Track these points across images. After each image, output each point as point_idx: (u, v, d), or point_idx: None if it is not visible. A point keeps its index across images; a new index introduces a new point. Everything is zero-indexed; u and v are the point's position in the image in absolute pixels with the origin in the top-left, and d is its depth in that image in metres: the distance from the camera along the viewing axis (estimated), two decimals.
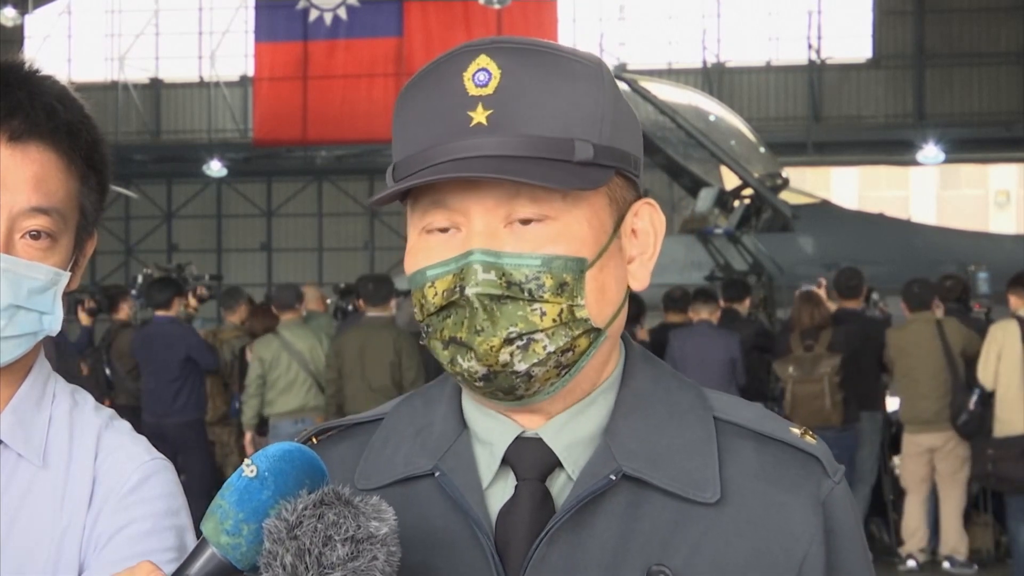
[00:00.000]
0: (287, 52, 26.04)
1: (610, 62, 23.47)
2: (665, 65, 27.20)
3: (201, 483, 8.31)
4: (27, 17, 27.61)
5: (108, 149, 1.57)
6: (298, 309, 8.96)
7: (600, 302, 1.23)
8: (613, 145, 1.23)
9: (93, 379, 9.36)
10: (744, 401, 1.33)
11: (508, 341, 1.18)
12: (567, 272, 1.20)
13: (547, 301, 1.19)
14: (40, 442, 1.51)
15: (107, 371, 9.80)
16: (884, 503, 9.15)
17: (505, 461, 1.25)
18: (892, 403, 8.98)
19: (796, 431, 1.28)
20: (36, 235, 1.47)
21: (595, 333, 1.23)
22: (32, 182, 1.46)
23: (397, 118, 1.26)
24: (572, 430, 1.25)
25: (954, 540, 8.47)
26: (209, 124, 28.46)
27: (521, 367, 1.19)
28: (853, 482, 8.48)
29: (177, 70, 29.17)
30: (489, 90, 1.20)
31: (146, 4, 29.10)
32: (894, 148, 25.95)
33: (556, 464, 1.24)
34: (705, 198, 17.28)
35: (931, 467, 8.54)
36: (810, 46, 26.67)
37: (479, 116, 1.19)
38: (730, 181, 17.23)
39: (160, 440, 6.77)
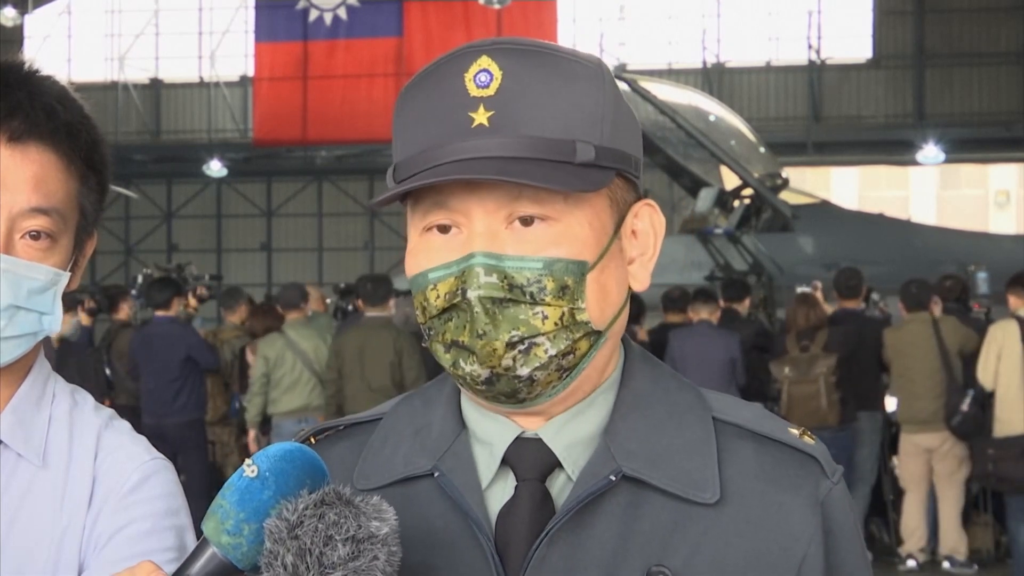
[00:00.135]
0: (287, 52, 26.05)
1: (610, 62, 23.47)
2: (665, 65, 27.20)
3: (201, 483, 8.31)
4: (27, 17, 27.61)
5: (108, 149, 1.57)
6: (303, 309, 8.97)
7: (601, 304, 1.23)
8: (614, 146, 1.23)
9: (93, 379, 9.36)
10: (743, 402, 1.33)
11: (510, 345, 1.18)
12: (568, 275, 1.20)
13: (548, 304, 1.19)
14: (40, 442, 1.51)
15: (107, 371, 9.80)
16: (884, 503, 9.15)
17: (505, 461, 1.25)
18: (891, 403, 8.99)
19: (795, 431, 1.28)
20: (36, 235, 1.47)
21: (596, 335, 1.23)
22: (32, 182, 1.46)
23: (397, 118, 1.26)
24: (572, 430, 1.25)
25: (953, 540, 8.47)
26: (209, 124, 28.46)
27: (524, 371, 1.19)
28: (853, 482, 8.48)
29: (177, 70, 29.17)
30: (490, 91, 1.20)
31: (146, 4, 29.10)
32: (894, 148, 25.96)
33: (556, 464, 1.24)
34: (705, 198, 17.28)
35: (929, 467, 8.55)
36: (810, 46, 26.68)
37: (480, 117, 1.19)
38: (730, 181, 17.24)
39: (160, 440, 6.77)
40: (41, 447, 1.51)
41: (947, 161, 25.76)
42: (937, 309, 8.59)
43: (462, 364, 1.20)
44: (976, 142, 25.70)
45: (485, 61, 1.21)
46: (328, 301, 12.50)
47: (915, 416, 8.45)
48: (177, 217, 29.69)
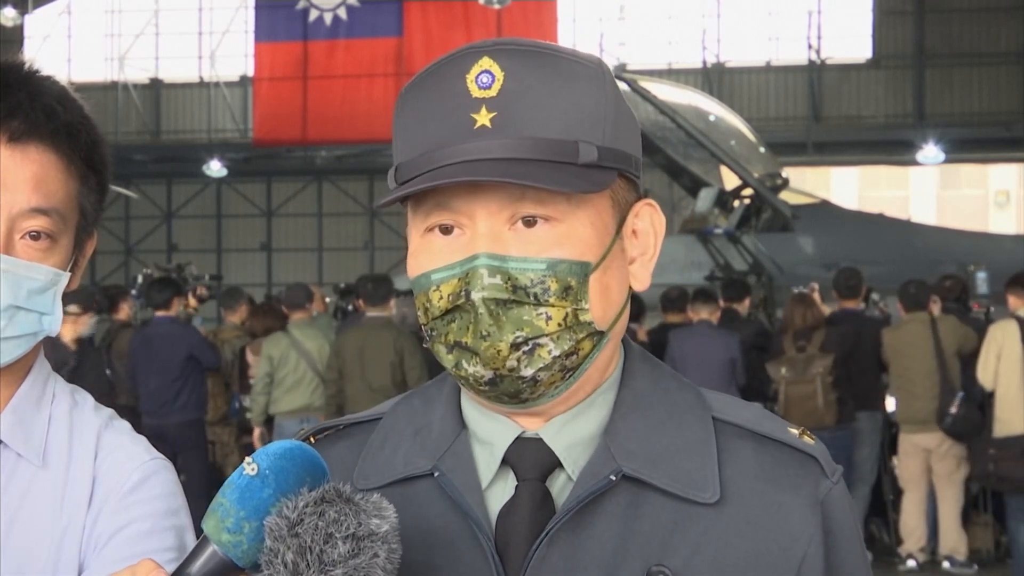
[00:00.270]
0: (287, 52, 26.06)
1: (610, 62, 23.47)
2: (665, 65, 27.21)
3: (201, 483, 8.31)
4: (27, 17, 27.62)
5: (108, 150, 1.57)
6: (308, 309, 8.97)
7: (604, 305, 1.23)
8: (616, 146, 1.23)
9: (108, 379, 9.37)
10: (743, 401, 1.33)
11: (515, 346, 1.18)
12: (572, 276, 1.20)
13: (552, 305, 1.19)
14: (40, 442, 1.51)
15: (107, 371, 9.80)
16: (884, 503, 9.16)
17: (505, 461, 1.25)
18: (891, 403, 8.99)
19: (794, 431, 1.28)
20: (36, 236, 1.47)
21: (599, 336, 1.23)
22: (32, 183, 1.46)
23: (398, 119, 1.26)
24: (572, 430, 1.25)
25: (953, 540, 8.47)
26: (209, 124, 28.47)
27: (527, 372, 1.19)
28: (853, 482, 8.48)
29: (177, 70, 29.19)
30: (492, 92, 1.20)
31: (146, 4, 29.11)
32: (894, 148, 25.97)
33: (556, 464, 1.24)
34: (705, 198, 17.29)
35: (928, 467, 8.55)
36: (810, 46, 26.69)
37: (483, 118, 1.19)
38: (730, 181, 17.25)
39: (160, 440, 6.77)
40: (41, 447, 1.51)
41: (947, 161, 25.78)
42: (936, 309, 8.60)
43: (465, 365, 1.20)
44: (976, 142, 25.72)
45: (487, 62, 1.20)
46: (328, 301, 12.50)
47: (914, 416, 8.45)
48: (177, 217, 29.70)
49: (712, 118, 17.45)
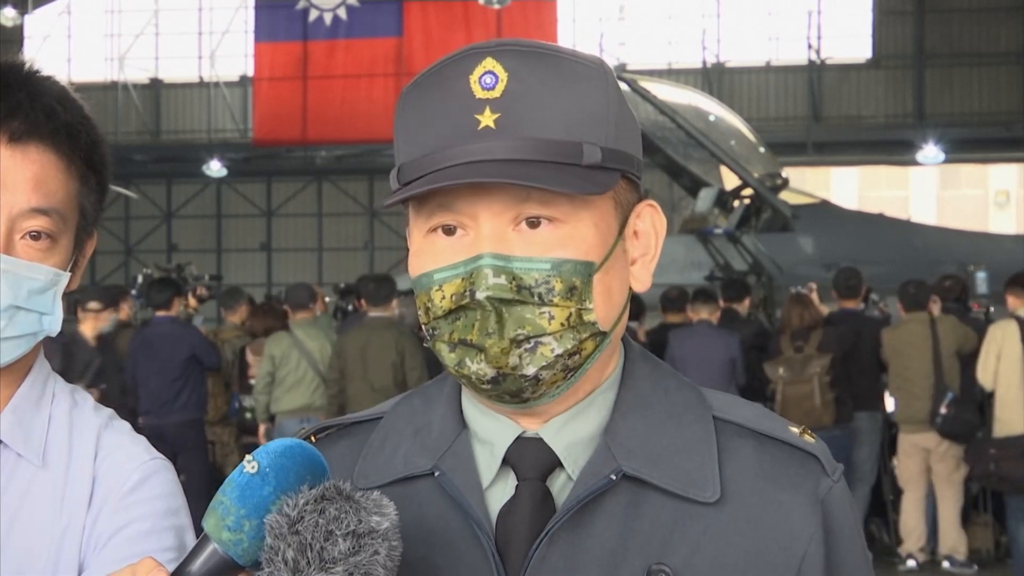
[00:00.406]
0: (287, 52, 26.06)
1: (610, 62, 23.43)
2: (665, 65, 27.22)
3: (201, 483, 8.31)
4: (27, 17, 27.62)
5: (108, 150, 1.57)
6: (311, 309, 8.97)
7: (606, 305, 1.23)
8: (618, 148, 1.23)
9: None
10: (743, 400, 1.33)
11: (516, 343, 1.18)
12: (576, 276, 1.20)
13: (556, 305, 1.19)
14: (40, 442, 1.51)
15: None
16: (884, 503, 9.16)
17: (505, 461, 1.25)
18: (891, 403, 9.00)
19: (795, 430, 1.28)
20: (36, 236, 1.47)
21: (601, 336, 1.23)
22: (32, 183, 1.46)
23: (400, 119, 1.26)
24: (572, 430, 1.25)
25: (953, 540, 8.48)
26: (209, 124, 28.47)
27: (530, 370, 1.19)
28: (853, 482, 8.48)
29: (177, 70, 29.19)
30: (496, 93, 1.20)
31: (146, 4, 29.11)
32: (894, 148, 25.97)
33: (556, 464, 1.24)
34: (705, 198, 17.30)
35: (927, 466, 8.55)
36: (810, 46, 26.69)
37: (487, 119, 1.19)
38: (730, 181, 17.26)
39: (159, 440, 6.76)
40: (41, 447, 1.51)
41: (947, 161, 25.78)
42: (936, 309, 8.60)
43: (468, 363, 1.20)
44: (976, 142, 25.72)
45: (490, 63, 1.20)
46: (327, 300, 12.50)
47: (913, 416, 8.46)
48: (177, 217, 29.70)
49: (712, 118, 17.46)
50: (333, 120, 25.41)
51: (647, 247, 1.30)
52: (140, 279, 14.54)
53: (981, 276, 14.37)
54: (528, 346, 1.19)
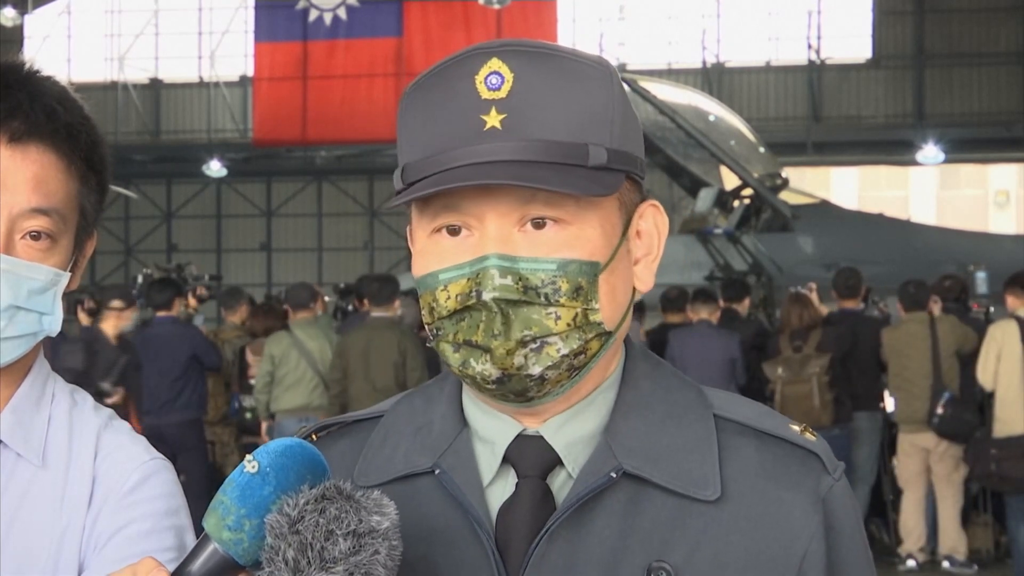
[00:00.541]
0: (287, 52, 26.05)
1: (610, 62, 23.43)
2: (665, 65, 27.21)
3: (200, 483, 8.32)
4: (27, 17, 27.61)
5: (108, 150, 1.57)
6: (312, 308, 8.97)
7: (611, 305, 1.23)
8: (623, 148, 1.24)
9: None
10: (744, 399, 1.33)
11: (522, 344, 1.18)
12: (582, 276, 1.20)
13: (562, 305, 1.20)
14: (39, 442, 1.51)
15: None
16: (884, 503, 9.16)
17: (506, 459, 1.25)
18: (891, 403, 9.00)
19: (796, 428, 1.29)
20: (36, 236, 1.47)
21: (607, 336, 1.23)
22: (32, 183, 1.46)
23: (403, 120, 1.26)
24: (573, 428, 1.25)
25: (953, 540, 8.48)
26: (209, 124, 28.46)
27: (536, 370, 1.19)
28: (852, 482, 8.48)
29: (177, 70, 29.18)
30: (502, 94, 1.19)
31: (146, 4, 29.11)
32: (894, 148, 25.97)
33: (557, 462, 1.24)
34: (705, 198, 17.29)
35: (927, 466, 8.56)
36: (810, 46, 26.69)
37: (493, 120, 1.19)
38: (730, 181, 17.25)
39: (159, 440, 6.76)
40: (41, 447, 1.51)
41: (947, 161, 25.77)
42: (936, 309, 8.60)
43: (473, 364, 1.20)
44: (976, 142, 25.71)
45: (495, 63, 1.20)
46: (327, 299, 12.50)
47: (912, 416, 8.46)
48: (177, 217, 29.70)
49: (712, 118, 17.45)
50: (333, 120, 25.40)
51: (650, 247, 1.30)
52: (140, 279, 14.54)
53: (981, 276, 14.36)
54: (534, 346, 1.19)
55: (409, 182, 1.22)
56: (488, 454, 1.26)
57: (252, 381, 9.08)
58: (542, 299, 1.19)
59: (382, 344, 7.81)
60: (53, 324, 1.51)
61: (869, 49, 27.38)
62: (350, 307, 11.43)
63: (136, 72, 28.86)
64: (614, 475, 1.21)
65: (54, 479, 1.50)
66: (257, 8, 26.78)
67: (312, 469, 1.11)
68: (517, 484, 1.24)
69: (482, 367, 1.19)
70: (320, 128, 25.76)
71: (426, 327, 1.26)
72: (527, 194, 1.19)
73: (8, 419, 1.50)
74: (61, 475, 1.50)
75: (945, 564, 8.50)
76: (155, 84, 29.19)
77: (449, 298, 1.21)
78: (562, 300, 1.19)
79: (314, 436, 1.36)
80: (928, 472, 8.57)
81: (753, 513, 1.22)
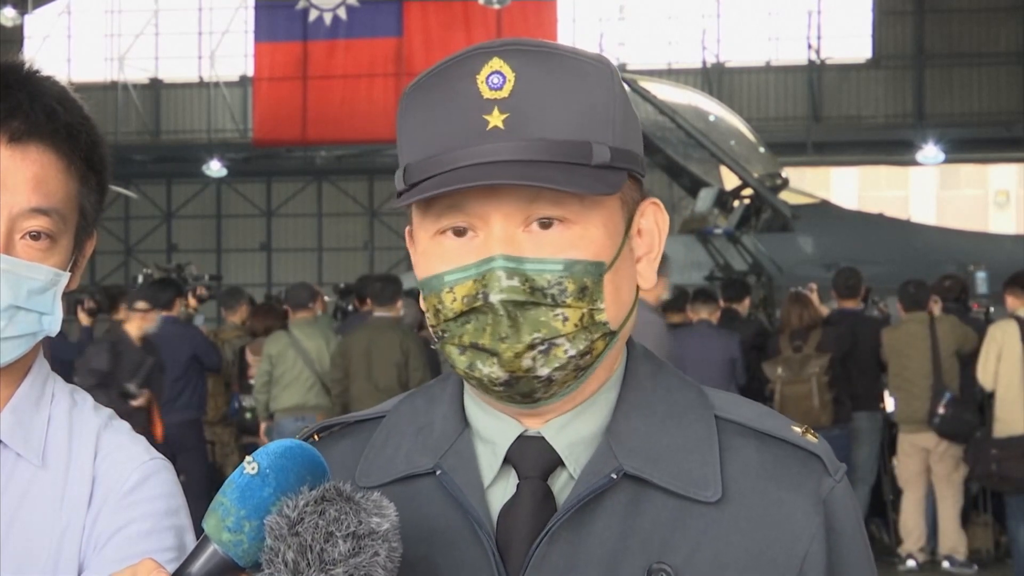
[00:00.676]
0: (287, 52, 26.05)
1: None
2: (665, 65, 27.20)
3: (200, 483, 8.32)
4: (27, 17, 27.61)
5: (108, 150, 1.57)
6: (311, 308, 8.98)
7: (616, 304, 1.23)
8: (625, 147, 1.24)
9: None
10: (745, 399, 1.33)
11: (531, 346, 1.18)
12: (588, 276, 1.20)
13: (569, 306, 1.19)
14: (39, 442, 1.51)
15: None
16: (884, 503, 9.16)
17: (507, 460, 1.25)
18: (891, 403, 9.00)
19: (797, 429, 1.28)
20: (36, 236, 1.47)
21: (611, 335, 1.23)
22: (32, 183, 1.46)
23: (404, 120, 1.25)
24: (574, 429, 1.25)
25: (953, 540, 8.48)
26: (209, 124, 28.45)
27: (543, 372, 1.19)
28: (852, 482, 8.41)
29: (177, 70, 29.18)
30: (504, 93, 1.19)
31: (146, 4, 29.11)
32: (894, 148, 25.96)
33: (558, 463, 1.24)
34: (705, 198, 17.28)
35: (927, 466, 8.56)
36: (810, 46, 26.68)
37: (495, 120, 1.19)
38: (730, 181, 17.24)
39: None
40: (40, 447, 1.51)
41: (947, 161, 25.76)
42: (937, 309, 8.60)
43: (480, 366, 1.20)
44: (976, 142, 25.71)
45: (497, 63, 1.20)
46: (327, 299, 12.50)
47: (912, 416, 8.46)
48: (177, 217, 29.69)
49: (712, 118, 17.45)
50: (333, 120, 25.39)
51: (651, 245, 1.30)
52: (140, 279, 14.54)
53: (981, 276, 14.37)
54: (542, 348, 1.18)
55: (412, 183, 1.22)
56: (489, 455, 1.26)
57: (252, 381, 9.09)
58: (549, 300, 1.19)
59: (384, 344, 7.82)
60: (53, 324, 1.51)
61: (869, 49, 27.38)
62: (350, 307, 11.43)
63: (136, 72, 28.86)
64: (615, 476, 1.21)
65: (54, 479, 1.50)
66: (257, 8, 26.78)
67: (312, 470, 1.11)
68: (518, 485, 1.23)
69: (489, 370, 1.19)
70: (320, 128, 25.76)
71: (430, 329, 1.25)
72: (532, 194, 1.19)
73: (8, 419, 1.50)
74: (61, 475, 1.50)
75: (945, 564, 8.50)
76: (155, 84, 29.19)
77: (455, 300, 1.21)
78: (568, 301, 1.19)
79: (316, 436, 1.36)
80: (928, 472, 8.57)
81: (754, 514, 1.22)
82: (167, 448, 7.23)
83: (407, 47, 25.21)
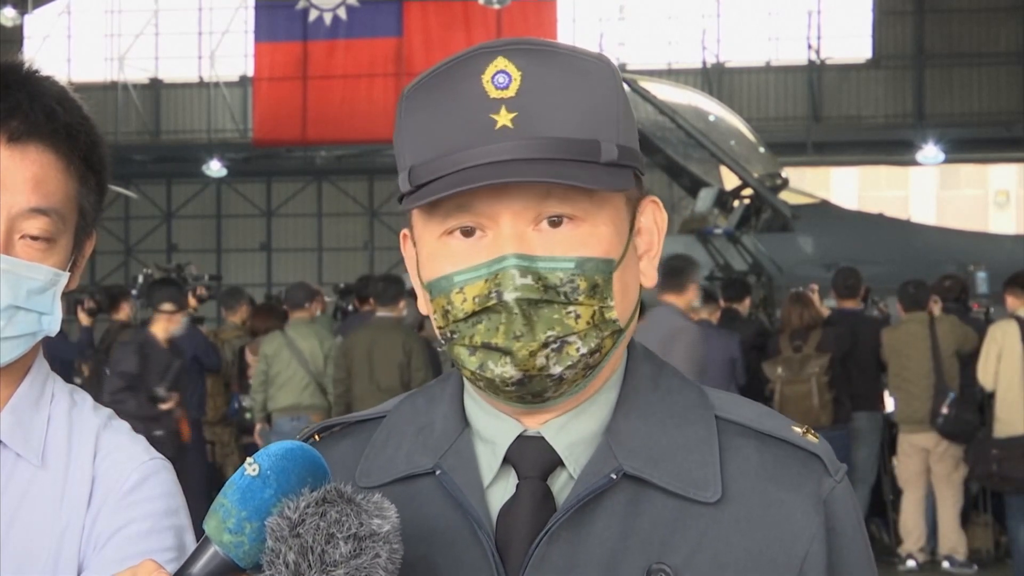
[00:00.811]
0: (287, 52, 26.04)
1: None
2: (665, 65, 27.20)
3: (200, 483, 8.32)
4: (27, 17, 27.60)
5: (107, 150, 1.57)
6: (308, 309, 8.98)
7: (624, 302, 1.24)
8: (629, 144, 1.24)
9: (95, 380, 9.36)
10: (746, 400, 1.33)
11: (545, 344, 1.18)
12: (598, 274, 1.20)
13: (581, 304, 1.19)
14: (39, 442, 1.51)
15: (107, 371, 9.79)
16: (884, 503, 9.16)
17: (507, 460, 1.25)
18: (891, 403, 9.00)
19: (798, 430, 1.28)
20: (35, 236, 1.47)
21: (619, 333, 1.24)
22: (31, 183, 1.46)
23: (407, 120, 1.24)
24: (574, 429, 1.25)
25: (953, 540, 8.48)
26: (209, 124, 28.45)
27: (556, 370, 1.19)
28: (852, 482, 8.43)
29: (177, 70, 29.17)
30: (511, 92, 1.19)
31: (146, 4, 29.10)
32: (894, 148, 25.95)
33: (558, 463, 1.24)
34: (705, 198, 17.27)
35: (926, 466, 8.56)
36: (810, 46, 26.68)
37: (503, 119, 1.18)
38: (730, 181, 17.23)
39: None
40: (40, 447, 1.51)
41: (947, 161, 25.76)
42: (937, 309, 8.60)
43: (491, 366, 1.19)
44: (976, 142, 25.70)
45: (502, 62, 1.20)
46: (327, 300, 12.50)
47: (912, 416, 8.46)
48: (177, 217, 29.69)
49: (712, 118, 17.45)
50: (333, 120, 25.38)
51: (650, 243, 1.31)
52: (140, 279, 14.54)
53: (981, 276, 14.36)
54: (555, 346, 1.18)
55: (417, 184, 1.21)
56: (489, 455, 1.26)
57: (251, 380, 9.11)
58: (562, 298, 1.19)
59: (387, 344, 7.83)
60: (52, 324, 1.51)
61: (869, 49, 27.37)
62: (350, 307, 11.43)
63: (136, 72, 28.85)
64: (614, 476, 1.21)
65: (53, 479, 1.50)
66: (257, 8, 26.77)
67: (313, 472, 1.11)
68: (517, 485, 1.23)
69: (502, 369, 1.19)
70: (320, 128, 25.75)
71: (437, 331, 1.25)
72: (543, 192, 1.19)
73: (7, 419, 1.50)
74: (60, 475, 1.50)
75: (945, 564, 8.51)
76: (155, 84, 29.18)
77: (465, 300, 1.20)
78: (580, 299, 1.19)
79: (316, 436, 1.36)
80: (928, 472, 8.57)
81: (754, 515, 1.22)
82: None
83: (407, 47, 25.20)
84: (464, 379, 1.29)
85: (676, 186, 19.86)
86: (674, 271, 7.20)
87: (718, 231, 16.31)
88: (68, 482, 1.50)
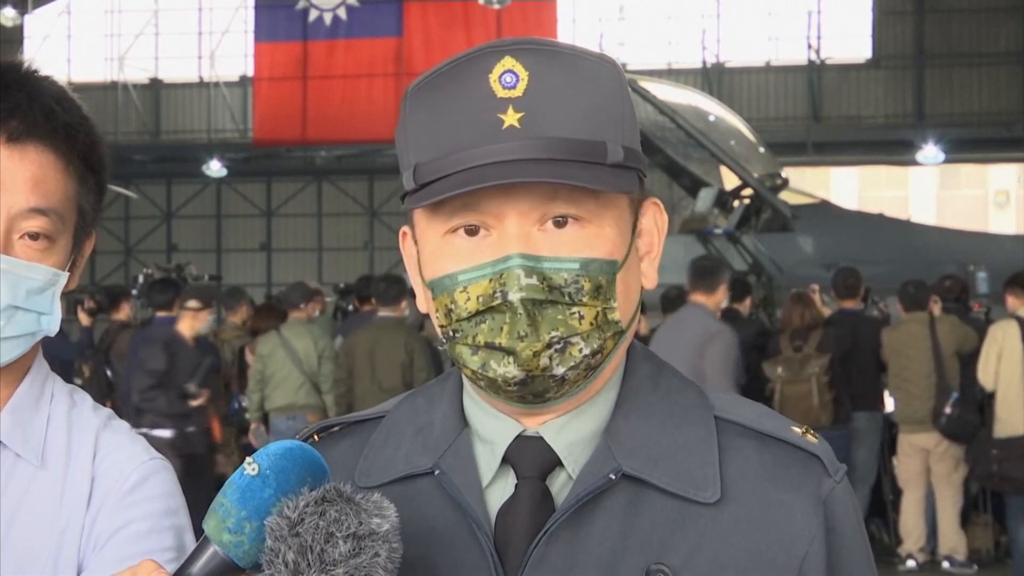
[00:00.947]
0: (287, 52, 26.04)
1: None
2: (665, 65, 27.20)
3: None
4: (27, 17, 27.60)
5: (106, 150, 1.57)
6: (304, 309, 8.99)
7: (626, 303, 1.24)
8: (633, 146, 1.24)
9: (95, 380, 9.37)
10: (745, 400, 1.33)
11: (548, 345, 1.18)
12: (602, 275, 1.20)
13: (585, 304, 1.19)
14: (39, 442, 1.51)
15: (107, 372, 9.80)
16: (884, 503, 9.16)
17: (506, 460, 1.25)
18: (891, 403, 9.00)
19: (797, 430, 1.28)
20: (34, 236, 1.47)
21: (620, 334, 1.24)
22: (30, 183, 1.46)
23: (411, 118, 1.24)
24: (573, 429, 1.25)
25: (953, 540, 8.48)
26: (209, 124, 28.45)
27: (559, 370, 1.19)
28: (852, 482, 8.42)
29: (177, 70, 29.17)
30: (518, 92, 1.19)
31: (146, 4, 29.10)
32: (894, 148, 25.95)
33: (557, 463, 1.24)
34: (705, 198, 17.28)
35: (926, 466, 8.56)
36: (810, 46, 26.68)
37: (511, 119, 1.18)
38: (730, 181, 17.24)
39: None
40: (40, 447, 1.51)
41: (947, 161, 25.76)
42: (937, 309, 8.60)
43: (494, 366, 1.19)
44: (976, 142, 25.70)
45: (509, 62, 1.20)
46: (327, 300, 12.50)
47: (912, 416, 8.46)
48: (177, 217, 29.69)
49: (712, 118, 17.45)
50: (333, 120, 25.38)
51: (651, 244, 1.31)
52: (140, 279, 14.55)
53: (981, 276, 14.37)
54: (559, 347, 1.18)
55: (422, 182, 1.21)
56: (488, 455, 1.26)
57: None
58: (566, 299, 1.19)
59: (389, 344, 7.84)
60: (52, 324, 1.51)
61: (869, 49, 27.37)
62: (350, 307, 11.43)
63: (136, 72, 28.85)
64: (613, 476, 1.21)
65: (53, 479, 1.50)
66: (257, 8, 26.77)
67: (312, 471, 1.11)
68: (516, 485, 1.23)
69: (504, 369, 1.18)
70: (320, 128, 25.75)
71: (439, 330, 1.24)
72: (549, 193, 1.19)
73: (7, 419, 1.50)
74: (60, 475, 1.50)
75: (945, 564, 8.51)
76: (155, 84, 29.18)
77: (469, 300, 1.20)
78: (585, 299, 1.19)
79: (316, 436, 1.36)
80: (928, 472, 8.57)
81: (753, 515, 1.22)
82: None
83: (407, 47, 25.20)
84: (464, 379, 1.29)
85: (676, 186, 19.86)
86: (705, 271, 7.11)
87: (718, 231, 16.32)
88: (68, 482, 1.50)
